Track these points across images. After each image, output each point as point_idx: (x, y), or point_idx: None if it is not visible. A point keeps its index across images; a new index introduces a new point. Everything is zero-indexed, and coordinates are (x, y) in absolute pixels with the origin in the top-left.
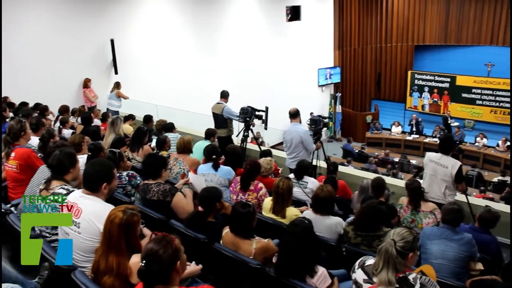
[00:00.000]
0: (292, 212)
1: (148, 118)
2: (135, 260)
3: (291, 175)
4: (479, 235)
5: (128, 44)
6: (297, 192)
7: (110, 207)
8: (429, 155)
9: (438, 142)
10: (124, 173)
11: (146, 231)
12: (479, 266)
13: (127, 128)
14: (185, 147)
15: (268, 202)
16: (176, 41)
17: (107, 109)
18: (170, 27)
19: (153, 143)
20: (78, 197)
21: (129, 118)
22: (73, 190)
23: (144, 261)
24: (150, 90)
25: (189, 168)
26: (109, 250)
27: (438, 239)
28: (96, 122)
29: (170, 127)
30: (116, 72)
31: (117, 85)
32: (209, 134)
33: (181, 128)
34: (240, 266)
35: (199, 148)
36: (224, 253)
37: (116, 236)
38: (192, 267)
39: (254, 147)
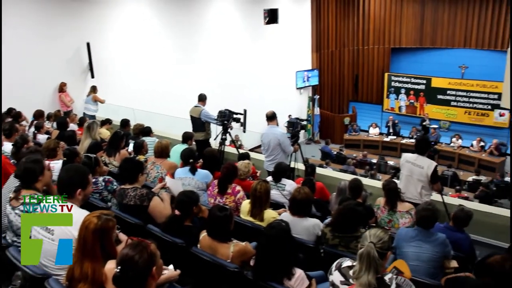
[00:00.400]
0: (270, 214)
1: (125, 122)
2: (111, 266)
3: (269, 178)
4: (453, 233)
5: (104, 47)
6: (275, 194)
7: (85, 213)
8: (406, 156)
9: (414, 143)
10: (100, 179)
11: (122, 237)
12: (454, 263)
13: (104, 133)
14: (162, 151)
15: (246, 205)
16: (153, 44)
17: (84, 113)
18: (147, 30)
19: (130, 148)
20: None
21: (106, 122)
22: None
23: (119, 267)
24: (128, 94)
25: (166, 172)
26: (84, 257)
27: (413, 241)
28: (73, 126)
29: (147, 131)
30: (92, 76)
31: (94, 89)
32: (186, 137)
33: (159, 132)
34: (218, 270)
35: (176, 151)
36: (201, 257)
37: (91, 242)
38: (170, 273)
39: (233, 150)
